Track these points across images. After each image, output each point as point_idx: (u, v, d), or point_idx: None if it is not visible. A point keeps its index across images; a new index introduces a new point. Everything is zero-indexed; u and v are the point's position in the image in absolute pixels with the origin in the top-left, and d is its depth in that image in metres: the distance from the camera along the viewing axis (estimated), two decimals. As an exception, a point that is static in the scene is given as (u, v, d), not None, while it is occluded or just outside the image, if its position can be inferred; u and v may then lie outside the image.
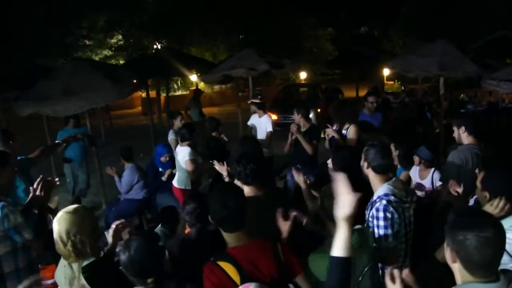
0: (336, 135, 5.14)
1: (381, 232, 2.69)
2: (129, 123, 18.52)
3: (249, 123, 6.68)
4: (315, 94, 15.53)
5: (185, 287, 2.30)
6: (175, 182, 5.32)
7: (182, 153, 5.14)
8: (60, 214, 2.37)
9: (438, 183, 4.43)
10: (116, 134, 14.14)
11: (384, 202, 2.70)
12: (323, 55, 25.74)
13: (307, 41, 26.18)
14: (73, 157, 6.88)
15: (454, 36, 8.84)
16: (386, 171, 2.88)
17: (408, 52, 9.16)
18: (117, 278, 2.20)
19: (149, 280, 2.13)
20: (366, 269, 2.47)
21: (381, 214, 2.68)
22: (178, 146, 5.31)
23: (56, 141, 6.11)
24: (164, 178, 5.73)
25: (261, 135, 6.34)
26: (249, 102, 6.69)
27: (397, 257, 2.83)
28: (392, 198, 2.72)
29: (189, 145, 5.13)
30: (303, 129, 5.53)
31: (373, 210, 2.73)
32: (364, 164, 2.90)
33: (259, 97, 6.63)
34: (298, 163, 5.35)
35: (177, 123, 6.30)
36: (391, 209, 2.69)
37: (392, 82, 26.98)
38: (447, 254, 1.66)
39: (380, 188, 2.81)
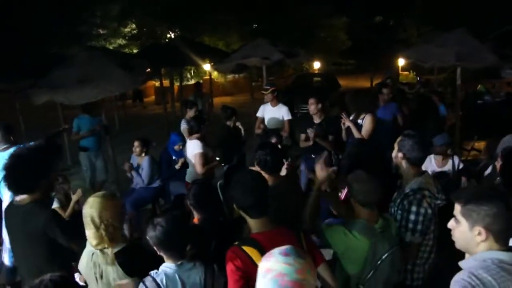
0: (351, 125, 5.08)
1: (410, 225, 2.66)
2: (143, 112, 18.60)
3: (259, 114, 6.58)
4: (328, 84, 15.41)
5: (213, 266, 2.34)
6: (187, 177, 5.21)
7: (191, 147, 5.05)
8: (92, 198, 2.41)
9: (461, 166, 4.53)
10: (129, 123, 14.20)
11: (418, 196, 2.66)
12: (337, 44, 25.43)
13: (320, 30, 25.88)
14: (90, 146, 6.81)
15: (471, 25, 8.63)
16: (421, 163, 2.84)
17: (425, 42, 9.01)
18: (148, 262, 2.29)
19: (188, 248, 2.22)
20: (385, 255, 2.44)
21: (413, 208, 2.64)
22: (187, 139, 5.23)
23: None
24: (177, 167, 5.73)
25: (276, 124, 6.28)
26: (264, 92, 6.64)
27: (422, 253, 2.80)
28: (426, 193, 2.68)
29: (198, 138, 5.07)
30: (318, 120, 5.47)
31: (405, 203, 2.69)
32: (398, 155, 2.84)
33: (272, 86, 6.56)
34: (314, 153, 5.30)
35: (191, 113, 6.29)
36: (425, 204, 2.65)
37: (407, 73, 26.57)
38: (475, 234, 1.73)
39: (414, 181, 2.76)
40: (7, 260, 3.12)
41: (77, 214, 2.78)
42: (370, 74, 16.31)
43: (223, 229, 2.99)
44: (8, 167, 2.63)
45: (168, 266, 2.27)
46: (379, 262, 2.44)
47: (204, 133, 5.19)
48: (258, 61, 8.49)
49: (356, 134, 5.11)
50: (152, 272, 2.24)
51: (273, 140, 5.00)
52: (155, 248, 2.26)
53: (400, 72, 21.78)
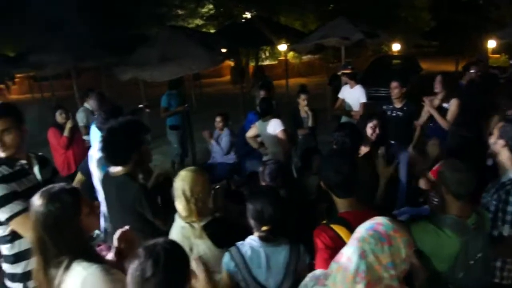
0: (434, 112, 4.79)
1: (508, 217, 2.44)
2: (218, 92, 18.92)
3: (340, 95, 6.43)
4: (409, 67, 14.59)
5: (299, 246, 2.33)
6: (267, 157, 5.13)
7: (272, 126, 4.98)
8: (184, 172, 2.51)
9: None
10: (205, 102, 14.54)
11: None
12: (419, 25, 23.99)
13: (402, 10, 24.52)
14: (179, 125, 7.00)
15: None
16: None
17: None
18: (233, 233, 2.38)
19: (264, 228, 2.24)
20: (479, 255, 2.25)
21: None
22: (261, 122, 5.14)
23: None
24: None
25: (353, 107, 6.09)
26: (339, 73, 6.41)
27: None
28: None
29: (273, 117, 5.01)
30: (399, 105, 5.20)
31: (501, 193, 2.46)
32: (498, 142, 2.62)
33: (349, 67, 6.34)
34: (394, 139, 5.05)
35: (263, 93, 6.27)
36: None
37: (498, 56, 24.51)
38: None
39: None
40: (103, 224, 3.31)
41: (156, 189, 2.89)
42: (456, 57, 15.24)
43: (298, 210, 2.98)
44: (104, 140, 2.74)
45: (254, 239, 2.30)
46: (471, 262, 2.25)
47: (276, 113, 5.17)
48: (337, 42, 8.22)
49: (439, 120, 4.80)
50: (238, 243, 2.30)
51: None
52: (250, 220, 2.30)
53: (490, 54, 20.13)
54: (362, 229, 1.57)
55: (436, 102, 5.06)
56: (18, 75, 19.49)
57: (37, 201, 1.72)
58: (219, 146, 5.90)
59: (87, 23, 12.92)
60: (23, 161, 2.49)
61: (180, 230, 2.49)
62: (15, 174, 2.41)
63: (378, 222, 1.56)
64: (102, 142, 2.74)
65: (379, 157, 3.18)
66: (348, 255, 1.52)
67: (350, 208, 2.21)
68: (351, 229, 2.01)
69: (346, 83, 6.41)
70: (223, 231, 2.48)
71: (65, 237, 1.71)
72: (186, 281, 1.64)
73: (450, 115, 4.83)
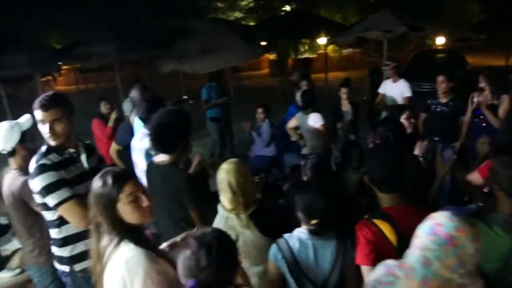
0: (484, 108, 4.59)
1: None
2: (257, 84, 18.93)
3: (380, 90, 6.25)
4: (454, 61, 14.05)
5: (346, 241, 2.31)
6: (306, 150, 5.14)
7: (313, 119, 4.95)
8: (227, 165, 2.52)
9: None
10: (244, 94, 14.57)
11: None
12: (467, 17, 23.00)
13: (448, 1, 23.59)
14: (219, 117, 7.03)
15: None
16: None
17: None
18: (278, 222, 2.43)
19: (313, 221, 2.22)
20: None
21: None
22: (302, 115, 5.14)
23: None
24: (293, 139, 5.73)
25: (396, 101, 5.92)
26: (383, 67, 6.23)
27: None
28: None
29: (314, 111, 4.97)
30: (445, 100, 5.02)
31: None
32: None
33: (393, 61, 6.16)
34: (438, 136, 4.88)
35: (304, 85, 6.22)
36: None
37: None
38: None
39: None
40: None
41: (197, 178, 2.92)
42: (506, 51, 14.54)
43: (337, 204, 2.94)
44: (153, 127, 2.78)
45: (302, 231, 2.29)
46: None
47: (318, 107, 5.10)
48: (380, 35, 8.01)
49: (490, 118, 4.60)
50: (286, 235, 2.29)
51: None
52: (298, 213, 2.29)
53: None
54: (422, 234, 1.51)
55: (484, 98, 4.85)
56: (65, 67, 20.25)
57: (94, 182, 1.79)
58: (260, 138, 5.89)
59: (130, 16, 13.22)
60: (72, 150, 2.56)
61: (224, 220, 2.50)
62: (64, 162, 2.49)
63: (437, 222, 1.49)
64: (153, 128, 2.77)
65: (437, 154, 3.12)
66: (411, 265, 1.48)
67: (394, 204, 2.17)
68: (394, 225, 2.04)
69: (388, 77, 6.24)
70: (269, 220, 2.50)
71: (115, 216, 1.76)
72: (237, 268, 1.65)
73: (502, 112, 4.62)
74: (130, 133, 4.39)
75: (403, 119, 3.86)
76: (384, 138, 3.17)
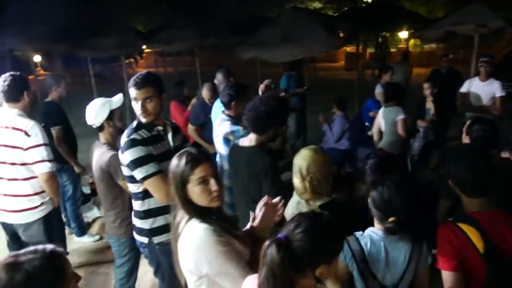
0: None
1: None
2: (332, 76, 18.64)
3: (463, 89, 5.82)
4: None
5: (422, 245, 2.18)
6: (383, 145, 5.00)
7: (393, 113, 4.76)
8: (304, 150, 2.53)
9: None
10: (319, 85, 14.36)
11: None
12: None
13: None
14: (297, 106, 6.92)
15: None
16: None
17: None
18: (349, 218, 2.34)
19: (390, 219, 2.09)
20: None
21: None
22: (383, 108, 4.99)
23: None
24: (370, 133, 5.61)
25: (484, 101, 5.56)
26: (480, 65, 5.81)
27: None
28: None
29: (396, 105, 4.79)
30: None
31: None
32: None
33: (490, 57, 5.73)
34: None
35: (386, 77, 6.02)
36: None
37: None
38: None
39: None
40: (226, 197, 3.46)
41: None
42: None
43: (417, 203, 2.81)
44: (250, 108, 2.84)
45: (374, 231, 2.18)
46: None
47: (403, 102, 4.91)
48: (472, 29, 7.41)
49: None
50: (358, 233, 2.21)
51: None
52: (373, 210, 2.17)
53: None
54: None
55: None
56: (147, 50, 21.22)
57: (173, 160, 1.89)
58: (330, 133, 5.83)
59: (212, 2, 13.50)
60: (160, 127, 2.67)
61: (296, 205, 2.53)
62: (152, 138, 2.60)
63: None
64: (251, 106, 2.84)
65: None
66: None
67: (481, 208, 2.01)
68: (481, 230, 1.90)
69: (477, 75, 5.83)
70: (340, 215, 2.40)
71: (185, 196, 1.84)
72: (332, 257, 1.54)
73: None
74: (204, 112, 4.55)
75: None
76: (481, 137, 2.97)
